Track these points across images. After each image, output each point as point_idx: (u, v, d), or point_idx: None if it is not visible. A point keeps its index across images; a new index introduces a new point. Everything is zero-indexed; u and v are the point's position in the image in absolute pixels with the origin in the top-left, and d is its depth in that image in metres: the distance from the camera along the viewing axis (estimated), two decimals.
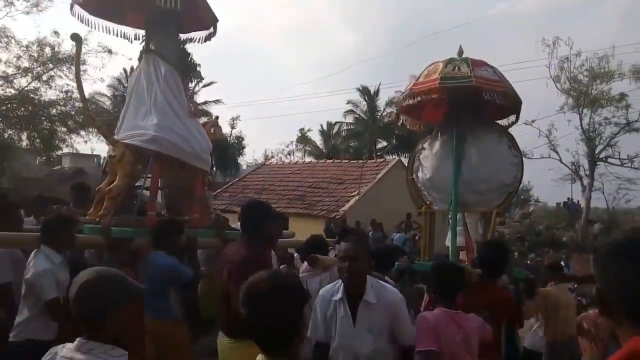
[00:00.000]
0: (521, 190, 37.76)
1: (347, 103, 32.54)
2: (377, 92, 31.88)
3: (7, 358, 3.29)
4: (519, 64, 64.13)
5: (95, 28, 4.76)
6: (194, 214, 4.52)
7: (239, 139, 31.85)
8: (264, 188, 17.96)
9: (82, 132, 19.21)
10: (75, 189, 5.41)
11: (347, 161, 21.01)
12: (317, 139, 34.91)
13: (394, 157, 27.08)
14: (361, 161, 19.53)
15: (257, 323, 1.52)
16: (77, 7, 4.54)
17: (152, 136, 4.25)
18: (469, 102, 4.81)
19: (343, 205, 15.70)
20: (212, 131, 5.28)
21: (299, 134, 35.26)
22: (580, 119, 20.30)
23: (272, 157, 35.89)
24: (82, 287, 1.62)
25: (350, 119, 32.82)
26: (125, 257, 3.81)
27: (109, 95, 30.84)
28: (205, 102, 29.85)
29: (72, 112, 18.26)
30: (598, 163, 20.36)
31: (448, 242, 5.14)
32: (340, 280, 2.75)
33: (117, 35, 4.96)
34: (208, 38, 5.03)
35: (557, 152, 21.31)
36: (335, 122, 34.11)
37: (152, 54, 4.59)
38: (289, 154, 37.31)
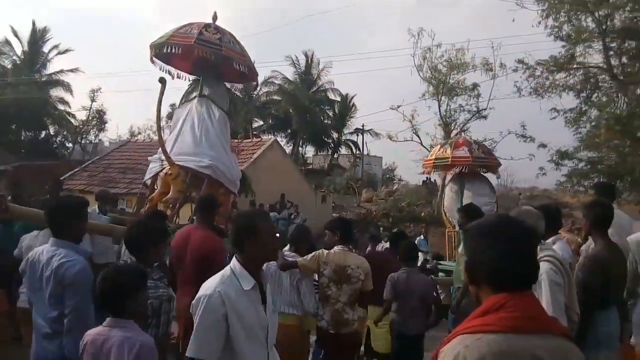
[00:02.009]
0: (386, 170, 40.49)
1: None
2: None
3: None
4: (390, 51, 67.98)
5: (155, 65, 6.11)
6: (220, 225, 5.36)
7: (100, 112, 29.10)
8: (129, 167, 16.71)
9: None
10: None
11: None
12: None
13: (270, 136, 27.08)
14: (237, 140, 19.15)
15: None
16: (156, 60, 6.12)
17: (208, 164, 5.62)
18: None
19: None
20: None
21: (170, 110, 33.31)
22: (439, 106, 22.27)
23: (139, 133, 33.58)
24: None
25: None
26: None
27: None
28: (61, 71, 26.65)
29: None
30: None
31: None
32: (230, 270, 2.23)
33: (164, 71, 6.15)
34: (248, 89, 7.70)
35: (418, 136, 23.20)
36: None
37: (206, 99, 5.93)
38: None
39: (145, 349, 2.20)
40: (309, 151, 34.24)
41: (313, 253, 3.94)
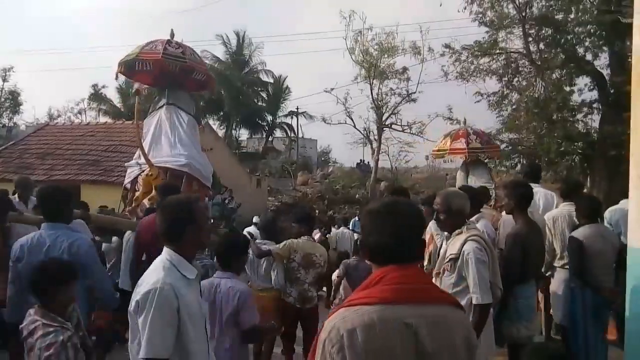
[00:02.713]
0: (322, 153, 40.64)
1: None
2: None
3: None
4: (323, 33, 67.88)
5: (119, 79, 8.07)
6: None
7: (14, 94, 26.88)
8: (48, 152, 15.58)
9: None
10: None
11: None
12: (115, 96, 31.58)
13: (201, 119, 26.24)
14: None
15: None
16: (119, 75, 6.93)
17: (185, 162, 6.33)
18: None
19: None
20: None
21: (92, 91, 31.37)
22: (371, 89, 22.55)
23: (59, 116, 31.47)
24: None
25: None
26: None
27: None
28: None
29: None
30: (384, 129, 23.03)
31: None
32: (167, 261, 2.14)
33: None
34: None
35: (351, 119, 23.50)
36: None
37: (173, 107, 6.68)
38: (80, 113, 33.24)
39: (245, 294, 3.05)
40: (243, 134, 33.69)
41: (284, 242, 4.61)
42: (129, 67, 6.59)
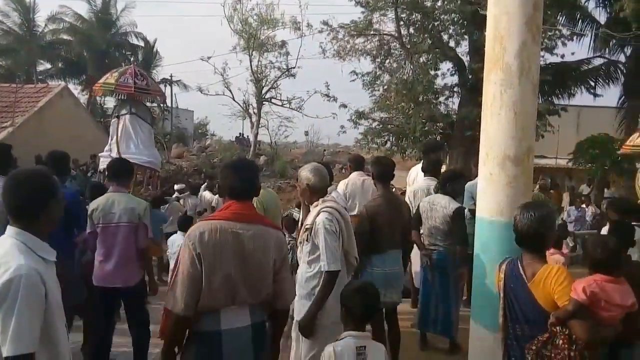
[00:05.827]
0: (199, 125, 39.06)
1: None
2: (34, 4, 26.58)
3: None
4: None
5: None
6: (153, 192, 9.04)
7: None
8: None
9: None
10: None
11: None
12: None
13: (59, 82, 23.66)
14: (15, 85, 16.30)
15: None
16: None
17: (149, 160, 9.01)
18: None
19: None
20: None
21: None
22: (250, 61, 22.06)
23: None
24: None
25: None
26: None
27: None
28: None
29: None
30: (264, 102, 22.81)
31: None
32: (21, 244, 1.95)
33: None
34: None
35: (230, 91, 22.78)
36: None
37: (135, 117, 8.93)
38: None
39: None
40: (110, 101, 30.91)
41: None
42: (108, 93, 9.17)
